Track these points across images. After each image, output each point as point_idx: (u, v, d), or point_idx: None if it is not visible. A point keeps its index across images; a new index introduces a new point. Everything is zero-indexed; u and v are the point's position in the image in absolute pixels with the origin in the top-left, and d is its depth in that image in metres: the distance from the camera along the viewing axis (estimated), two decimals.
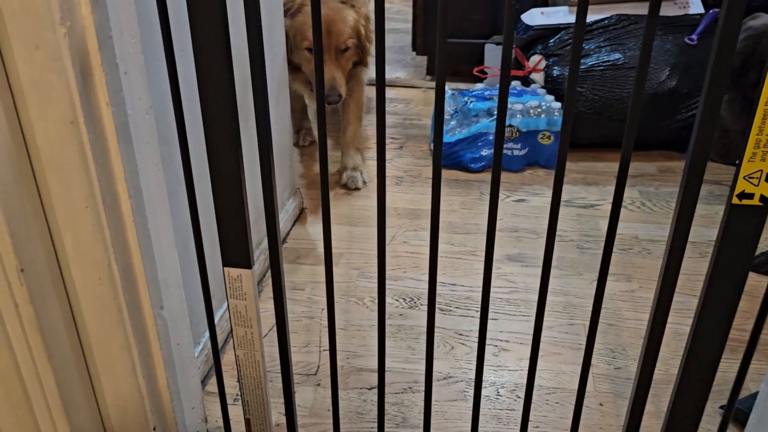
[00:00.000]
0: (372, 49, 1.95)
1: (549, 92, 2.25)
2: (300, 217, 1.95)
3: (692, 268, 1.61)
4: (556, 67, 2.28)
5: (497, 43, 2.70)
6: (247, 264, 0.90)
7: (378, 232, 0.88)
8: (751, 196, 0.74)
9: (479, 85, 2.42)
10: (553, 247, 0.87)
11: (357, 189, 2.06)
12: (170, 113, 0.80)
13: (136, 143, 0.81)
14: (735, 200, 0.75)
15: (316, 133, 1.67)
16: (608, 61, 2.20)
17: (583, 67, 2.23)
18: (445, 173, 2.23)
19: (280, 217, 1.80)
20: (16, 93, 0.70)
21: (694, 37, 2.24)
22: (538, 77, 2.37)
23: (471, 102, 2.24)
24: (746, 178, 0.74)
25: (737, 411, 1.19)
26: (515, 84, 2.32)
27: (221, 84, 0.75)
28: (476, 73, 2.54)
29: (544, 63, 2.36)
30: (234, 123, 0.79)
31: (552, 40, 2.36)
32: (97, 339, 0.86)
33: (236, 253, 0.89)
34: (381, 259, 0.90)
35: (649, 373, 0.90)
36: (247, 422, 1.06)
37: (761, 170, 0.73)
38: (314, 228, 1.92)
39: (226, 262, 0.90)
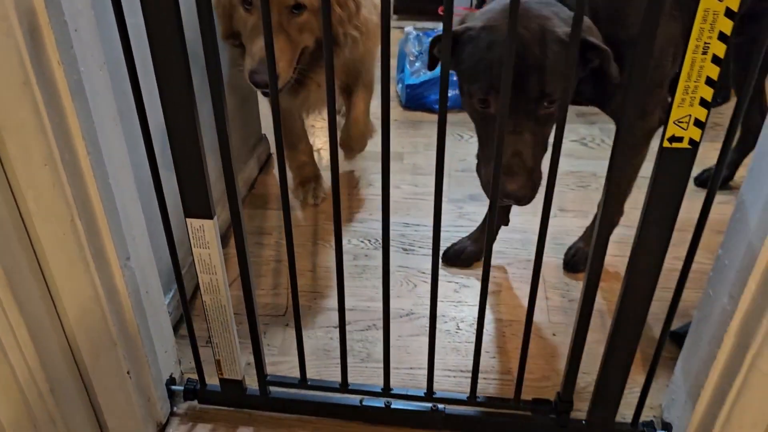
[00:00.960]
0: (361, 27, 1.39)
1: None
2: (267, 162, 1.97)
3: (639, 200, 1.68)
4: None
5: None
6: (209, 214, 0.93)
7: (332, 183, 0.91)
8: (680, 139, 0.79)
9: None
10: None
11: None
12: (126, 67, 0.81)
13: (91, 100, 0.83)
14: (666, 143, 0.79)
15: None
16: None
17: None
18: (410, 115, 2.25)
19: (247, 164, 1.82)
20: None
21: None
22: None
23: None
24: (676, 122, 0.78)
25: (675, 334, 1.28)
26: None
27: (172, 37, 0.76)
28: (440, 13, 2.52)
29: None
30: (187, 77, 0.80)
31: None
32: (66, 291, 0.90)
33: (197, 205, 0.92)
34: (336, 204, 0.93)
35: (590, 298, 0.96)
36: (217, 363, 1.12)
37: (690, 115, 0.77)
38: None
39: (188, 213, 0.94)
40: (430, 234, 1.67)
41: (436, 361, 1.07)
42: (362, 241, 1.63)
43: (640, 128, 1.23)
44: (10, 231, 0.81)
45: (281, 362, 1.29)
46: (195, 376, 1.17)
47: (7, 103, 0.74)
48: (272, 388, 1.15)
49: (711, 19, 0.71)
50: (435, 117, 2.21)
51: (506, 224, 1.56)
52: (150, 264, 1.04)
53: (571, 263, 1.51)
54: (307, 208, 1.75)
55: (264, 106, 1.93)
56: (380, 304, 1.43)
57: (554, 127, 0.84)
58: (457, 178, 1.87)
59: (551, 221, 0.93)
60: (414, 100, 2.23)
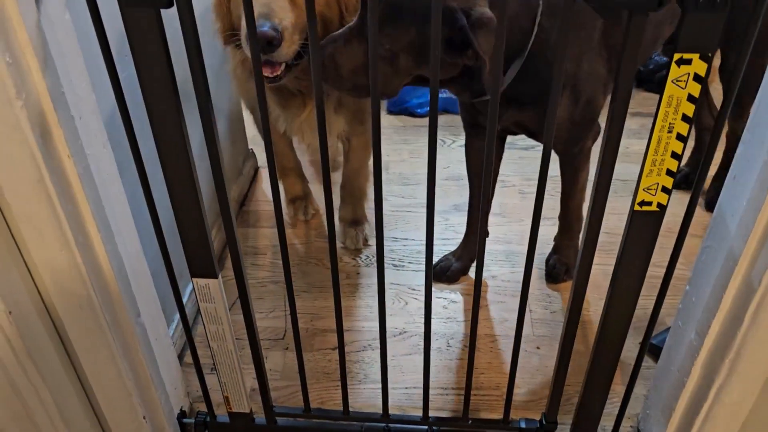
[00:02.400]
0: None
1: None
2: (255, 177, 2.02)
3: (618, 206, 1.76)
4: None
5: None
6: (213, 274, 0.99)
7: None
8: (649, 203, 0.86)
9: None
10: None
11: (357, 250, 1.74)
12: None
13: (98, 180, 0.88)
14: (636, 207, 0.87)
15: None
16: None
17: None
18: (393, 119, 2.30)
19: (237, 181, 1.87)
20: None
21: None
22: None
23: None
24: (645, 189, 0.85)
25: (652, 345, 1.38)
26: None
27: (172, 115, 0.81)
28: None
29: None
30: (186, 155, 0.85)
31: None
32: (90, 362, 0.96)
33: (202, 266, 0.98)
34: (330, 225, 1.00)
35: (577, 311, 1.02)
36: (226, 399, 1.19)
37: (657, 183, 0.84)
38: (269, 187, 1.98)
39: (194, 273, 1.00)
40: (419, 248, 1.75)
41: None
42: (353, 258, 1.70)
43: (578, 155, 1.35)
44: (35, 320, 0.87)
45: (283, 387, 1.36)
46: (203, 407, 1.24)
47: (24, 199, 0.79)
48: (279, 418, 1.23)
49: (675, 104, 0.77)
50: (418, 121, 2.27)
51: (487, 235, 1.63)
52: (159, 317, 1.10)
53: (553, 275, 1.59)
54: (298, 225, 1.81)
55: (249, 123, 1.96)
56: (374, 324, 1.51)
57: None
58: (441, 187, 1.92)
59: (528, 231, 0.95)
60: (395, 105, 2.27)
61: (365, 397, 1.33)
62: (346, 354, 1.33)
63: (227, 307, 1.05)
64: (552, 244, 1.66)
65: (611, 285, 0.96)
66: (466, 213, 1.81)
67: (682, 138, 0.80)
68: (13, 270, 0.84)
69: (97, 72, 0.85)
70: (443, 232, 1.77)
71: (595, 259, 0.95)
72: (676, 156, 0.81)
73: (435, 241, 1.70)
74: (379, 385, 1.17)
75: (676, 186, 1.86)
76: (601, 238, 0.91)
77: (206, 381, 1.20)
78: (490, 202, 1.61)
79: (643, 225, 0.88)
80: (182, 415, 1.23)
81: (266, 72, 1.22)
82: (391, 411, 1.18)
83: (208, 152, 0.84)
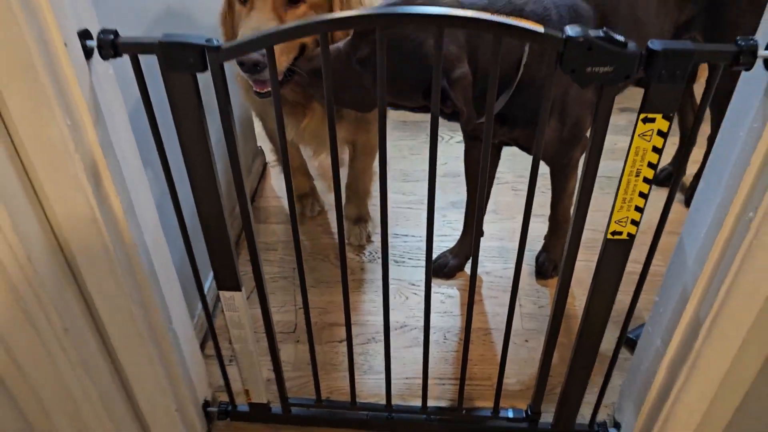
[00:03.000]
0: None
1: None
2: (264, 173, 2.13)
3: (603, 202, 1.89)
4: None
5: None
6: (237, 288, 1.13)
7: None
8: (620, 233, 0.99)
9: None
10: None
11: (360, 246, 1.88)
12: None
13: (138, 212, 1.00)
14: (609, 236, 0.99)
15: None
16: None
17: None
18: (393, 114, 2.40)
19: (247, 179, 1.98)
20: (45, 206, 0.88)
21: None
22: None
23: None
24: (617, 222, 0.98)
25: (629, 339, 1.52)
26: None
27: (205, 162, 0.93)
28: None
29: None
30: (218, 199, 0.98)
31: None
32: (128, 360, 1.10)
33: (228, 281, 1.12)
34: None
35: (561, 307, 1.15)
36: (246, 391, 1.34)
37: (627, 217, 0.97)
38: (278, 182, 2.11)
39: (220, 286, 1.13)
40: (419, 245, 1.88)
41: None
42: (357, 255, 1.83)
43: (567, 166, 1.47)
44: (90, 339, 1.00)
45: (295, 377, 1.51)
46: (223, 396, 1.39)
47: (81, 238, 0.91)
48: (293, 408, 1.37)
49: (641, 154, 0.89)
50: (418, 117, 2.37)
51: (482, 235, 1.76)
52: (186, 317, 1.24)
53: (542, 271, 1.73)
54: (304, 222, 1.93)
55: (258, 121, 2.06)
56: (377, 318, 1.65)
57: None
58: (440, 183, 2.03)
59: (520, 228, 1.05)
60: None
61: (369, 387, 1.48)
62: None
63: (250, 316, 1.18)
64: (542, 240, 1.79)
65: (585, 309, 1.10)
66: (463, 210, 1.95)
67: (648, 180, 0.92)
68: (68, 290, 0.97)
69: (135, 120, 0.97)
70: (441, 228, 1.89)
71: (580, 255, 1.05)
72: (643, 195, 0.94)
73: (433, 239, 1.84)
74: (382, 376, 1.31)
75: (660, 183, 2.00)
76: (586, 234, 1.01)
77: (230, 381, 1.34)
78: (486, 206, 1.73)
79: (615, 251, 1.01)
80: (206, 404, 1.38)
81: (257, 88, 1.35)
82: (393, 400, 1.33)
83: (236, 191, 0.96)
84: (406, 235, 1.88)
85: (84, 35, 0.83)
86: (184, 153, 0.94)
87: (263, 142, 2.18)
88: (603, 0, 1.26)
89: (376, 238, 1.86)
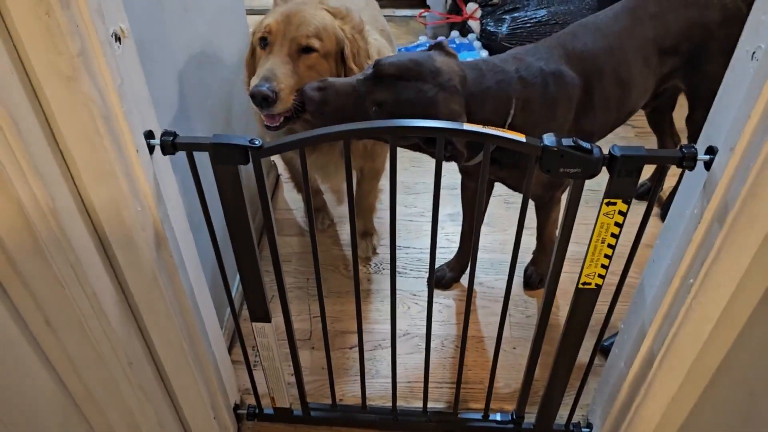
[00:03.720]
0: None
1: (484, 47, 2.53)
2: (277, 185, 2.32)
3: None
4: (490, 23, 2.55)
5: None
6: (268, 320, 1.33)
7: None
8: (589, 284, 1.19)
9: (422, 38, 2.67)
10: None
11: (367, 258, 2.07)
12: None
13: (188, 264, 1.20)
14: (580, 285, 1.19)
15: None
16: (535, 17, 2.48)
17: (513, 24, 2.50)
18: None
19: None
20: (117, 271, 1.08)
21: None
22: (475, 25, 2.63)
23: None
24: (586, 275, 1.18)
25: (604, 347, 1.74)
26: (454, 36, 2.59)
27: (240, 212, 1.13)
28: (419, 19, 2.77)
29: (479, 12, 2.61)
30: (257, 266, 1.17)
31: None
32: (174, 374, 1.31)
33: (260, 314, 1.32)
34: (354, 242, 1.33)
35: (544, 323, 1.36)
36: (272, 398, 1.56)
37: (595, 272, 1.17)
38: (290, 195, 2.29)
39: (253, 318, 1.34)
40: (420, 256, 2.08)
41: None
42: (363, 266, 2.03)
43: (550, 202, 1.66)
44: (143, 362, 1.21)
45: (312, 381, 1.72)
46: (249, 398, 1.61)
47: (145, 292, 1.11)
48: (312, 411, 1.59)
49: (606, 227, 1.09)
50: None
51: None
52: (221, 342, 1.44)
53: (529, 283, 1.93)
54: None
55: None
56: (383, 326, 1.86)
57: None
58: None
59: (512, 240, 1.19)
60: None
61: (376, 389, 1.70)
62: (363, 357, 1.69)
63: (277, 341, 1.39)
64: (531, 253, 1.99)
65: (558, 348, 1.30)
66: (460, 222, 2.14)
67: (611, 246, 1.12)
68: (133, 334, 1.17)
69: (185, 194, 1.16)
70: (439, 241, 2.06)
71: (565, 267, 1.20)
72: (607, 256, 1.14)
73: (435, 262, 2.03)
74: (388, 379, 1.53)
75: (639, 197, 2.19)
76: (571, 248, 1.13)
77: (256, 384, 1.56)
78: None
79: (585, 297, 1.21)
80: (236, 407, 1.60)
81: (267, 122, 1.50)
82: (397, 402, 1.55)
83: (271, 254, 1.16)
84: (408, 247, 2.08)
85: (148, 135, 1.01)
86: (228, 224, 1.13)
87: (276, 158, 2.36)
88: (587, 66, 1.42)
89: (381, 251, 2.06)
